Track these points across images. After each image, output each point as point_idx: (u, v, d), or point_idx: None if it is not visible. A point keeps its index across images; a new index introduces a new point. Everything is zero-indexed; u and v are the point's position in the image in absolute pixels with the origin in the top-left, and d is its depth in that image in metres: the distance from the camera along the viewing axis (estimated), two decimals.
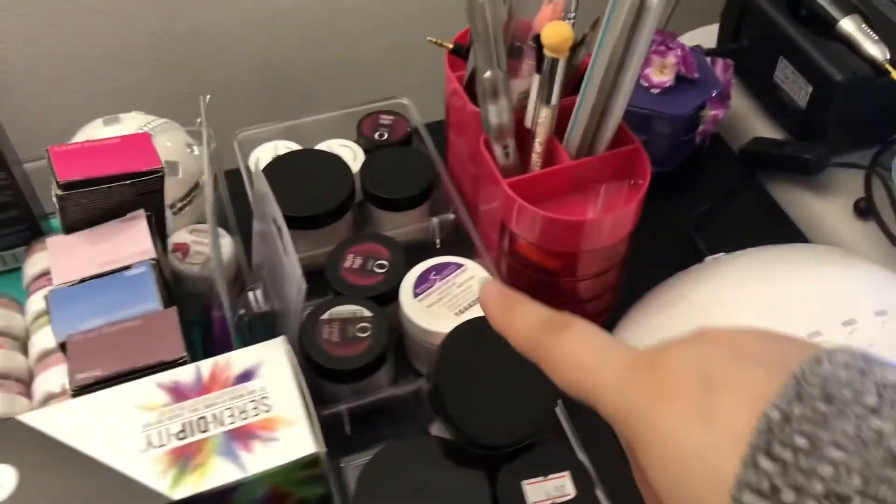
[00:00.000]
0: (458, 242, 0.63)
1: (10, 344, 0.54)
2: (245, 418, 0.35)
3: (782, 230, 0.70)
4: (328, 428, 0.53)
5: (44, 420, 0.36)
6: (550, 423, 0.48)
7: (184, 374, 0.37)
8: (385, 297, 0.55)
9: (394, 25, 0.95)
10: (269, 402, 0.36)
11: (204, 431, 0.35)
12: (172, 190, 0.58)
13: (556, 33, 0.49)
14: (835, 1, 0.67)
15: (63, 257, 0.47)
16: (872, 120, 0.68)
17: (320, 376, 0.53)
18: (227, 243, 0.58)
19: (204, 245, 0.59)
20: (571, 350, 0.27)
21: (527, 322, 0.29)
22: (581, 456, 0.48)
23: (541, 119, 0.54)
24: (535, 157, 0.56)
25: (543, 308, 0.30)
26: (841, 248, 0.59)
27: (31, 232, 0.60)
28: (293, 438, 0.35)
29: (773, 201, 0.72)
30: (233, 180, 0.66)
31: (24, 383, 0.53)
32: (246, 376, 0.37)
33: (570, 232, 0.53)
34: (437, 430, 0.51)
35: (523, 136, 0.57)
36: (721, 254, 0.61)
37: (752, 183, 0.73)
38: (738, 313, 0.52)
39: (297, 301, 0.42)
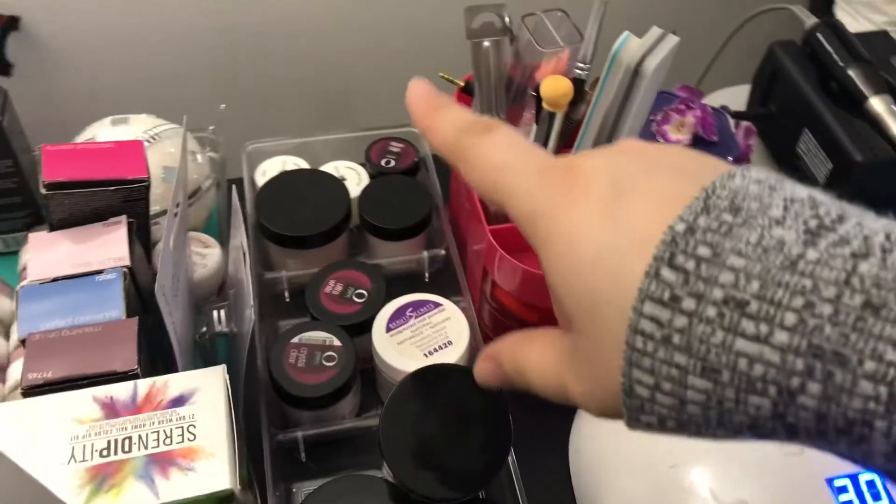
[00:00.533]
0: (447, 278, 0.63)
1: None
2: (168, 444, 0.36)
3: None
4: (286, 452, 0.54)
5: None
6: (491, 482, 0.47)
7: (121, 391, 0.38)
8: (359, 328, 0.55)
9: (420, 57, 0.95)
10: (194, 431, 0.36)
11: (127, 452, 0.35)
12: (169, 195, 0.59)
13: (553, 87, 0.49)
14: (867, 78, 0.65)
15: (41, 254, 0.48)
16: (893, 204, 0.66)
17: (282, 400, 0.53)
18: (215, 254, 0.59)
19: (198, 254, 0.60)
20: (490, 150, 0.27)
21: (450, 123, 0.29)
22: None
23: None
24: None
25: (469, 112, 0.29)
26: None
27: (33, 218, 0.62)
28: (210, 471, 0.35)
29: None
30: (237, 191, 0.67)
31: (2, 367, 0.54)
32: (179, 401, 0.37)
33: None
34: (385, 470, 0.51)
35: None
36: None
37: None
38: None
39: (247, 328, 0.42)
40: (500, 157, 0.27)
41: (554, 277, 0.24)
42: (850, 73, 0.66)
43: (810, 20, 0.71)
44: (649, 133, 0.68)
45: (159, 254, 0.40)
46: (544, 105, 0.50)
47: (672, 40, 0.44)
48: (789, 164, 0.72)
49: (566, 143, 0.54)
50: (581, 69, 0.53)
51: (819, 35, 0.69)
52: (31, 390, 0.41)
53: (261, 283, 0.60)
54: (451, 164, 0.29)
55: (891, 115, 0.63)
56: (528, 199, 0.25)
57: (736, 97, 0.79)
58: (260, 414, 0.51)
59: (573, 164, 0.25)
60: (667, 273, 0.21)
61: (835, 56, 0.67)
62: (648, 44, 0.44)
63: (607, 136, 0.49)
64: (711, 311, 0.21)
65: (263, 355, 0.53)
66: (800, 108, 0.69)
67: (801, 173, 0.70)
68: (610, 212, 0.23)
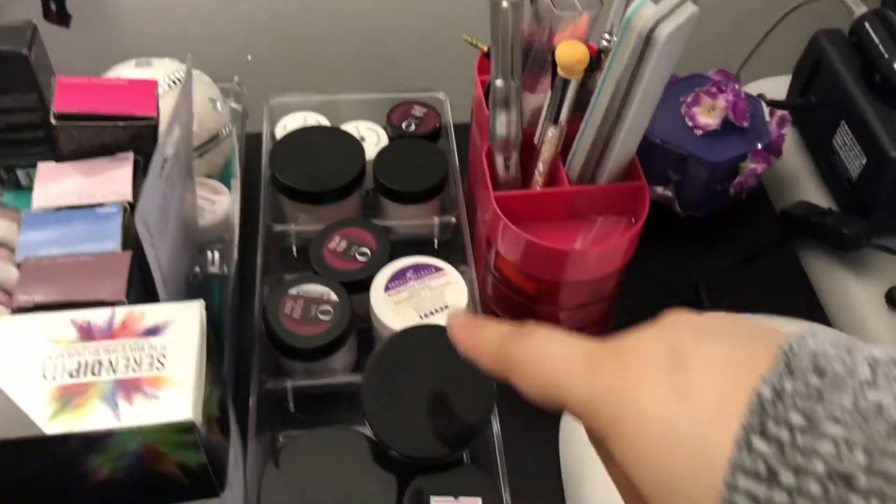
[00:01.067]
0: (457, 247, 0.62)
1: (6, 255, 0.57)
2: (137, 371, 0.36)
3: (803, 304, 0.65)
4: (277, 402, 0.54)
5: None
6: (470, 445, 0.47)
7: (98, 317, 0.38)
8: (359, 286, 0.55)
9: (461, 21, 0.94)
10: (164, 361, 0.36)
11: (96, 375, 0.36)
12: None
13: (569, 53, 0.48)
14: None
15: (47, 183, 0.49)
16: None
17: (275, 348, 0.53)
18: (224, 201, 0.59)
19: (208, 200, 0.60)
20: (535, 354, 0.26)
21: (490, 338, 0.29)
22: (501, 486, 0.47)
23: (547, 138, 0.53)
24: (538, 177, 0.55)
25: (506, 324, 0.29)
26: (852, 337, 0.54)
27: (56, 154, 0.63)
28: (173, 401, 0.35)
29: (802, 272, 0.68)
30: (254, 144, 0.68)
31: (10, 295, 0.55)
32: (154, 331, 0.37)
33: (551, 259, 0.51)
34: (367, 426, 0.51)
35: (530, 154, 0.55)
36: None
37: (784, 248, 0.69)
38: None
39: (232, 270, 0.42)
40: (545, 358, 0.26)
41: (627, 461, 0.23)
42: None
43: (860, 9, 0.68)
44: (678, 114, 0.67)
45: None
46: (559, 71, 0.49)
47: (689, 8, 0.42)
48: (823, 158, 0.69)
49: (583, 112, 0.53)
50: (608, 40, 0.51)
51: (867, 24, 0.66)
52: (20, 312, 0.42)
53: (269, 235, 0.60)
54: (502, 379, 0.28)
55: None
56: (583, 387, 0.24)
57: (777, 87, 0.76)
58: (252, 361, 0.52)
59: (621, 344, 0.24)
60: (759, 444, 0.20)
61: (881, 47, 0.65)
62: (663, 11, 0.42)
63: (619, 105, 0.47)
64: (814, 487, 0.19)
65: (262, 304, 0.54)
66: (839, 100, 0.66)
67: (834, 169, 0.67)
68: (676, 385, 0.22)
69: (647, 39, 0.43)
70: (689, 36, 0.45)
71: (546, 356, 0.26)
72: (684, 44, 0.45)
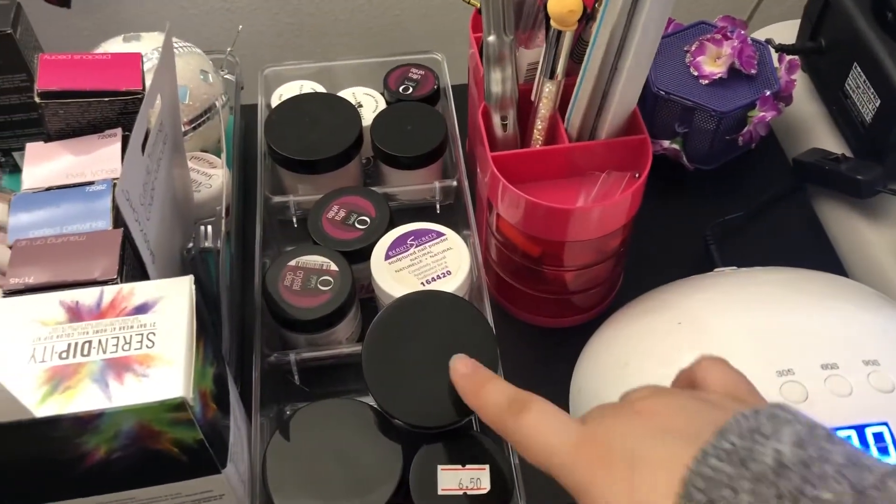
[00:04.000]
0: (459, 211, 0.61)
1: (3, 238, 0.56)
2: (127, 350, 0.35)
3: (818, 254, 0.64)
4: (282, 375, 0.54)
5: None
6: (472, 413, 0.46)
7: (86, 296, 0.37)
8: (359, 254, 0.54)
9: None
10: (154, 339, 0.36)
11: (86, 355, 0.35)
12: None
13: (560, 4, 0.46)
14: None
15: (36, 163, 0.48)
16: None
17: (276, 321, 0.52)
18: (219, 174, 0.58)
19: (203, 174, 0.60)
20: (530, 433, 0.32)
21: (492, 402, 0.35)
22: (509, 453, 0.46)
23: (544, 94, 0.51)
24: (536, 135, 0.53)
25: (507, 388, 0.36)
26: (872, 289, 0.53)
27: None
28: (164, 379, 0.34)
29: (816, 221, 0.66)
30: (251, 115, 0.67)
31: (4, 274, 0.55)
32: (143, 308, 0.37)
33: (553, 219, 0.50)
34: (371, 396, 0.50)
35: (528, 111, 0.53)
36: (731, 268, 0.56)
37: (798, 198, 0.67)
38: (717, 334, 0.48)
39: (220, 243, 0.41)
40: (540, 441, 0.32)
41: None
42: None
43: None
44: (682, 64, 0.65)
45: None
46: (552, 23, 0.47)
47: None
48: (835, 103, 0.67)
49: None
50: None
51: None
52: (11, 295, 0.41)
53: (268, 208, 0.59)
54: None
55: None
56: (572, 474, 0.30)
57: (786, 31, 0.74)
58: (255, 335, 0.51)
59: (595, 435, 0.31)
60: None
61: None
62: None
63: (615, 55, 0.45)
64: None
65: (262, 278, 0.53)
66: (851, 42, 0.63)
67: (847, 113, 0.65)
68: (629, 486, 0.28)
69: None
70: None
71: (539, 442, 0.32)
72: None
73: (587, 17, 0.48)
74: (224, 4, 0.89)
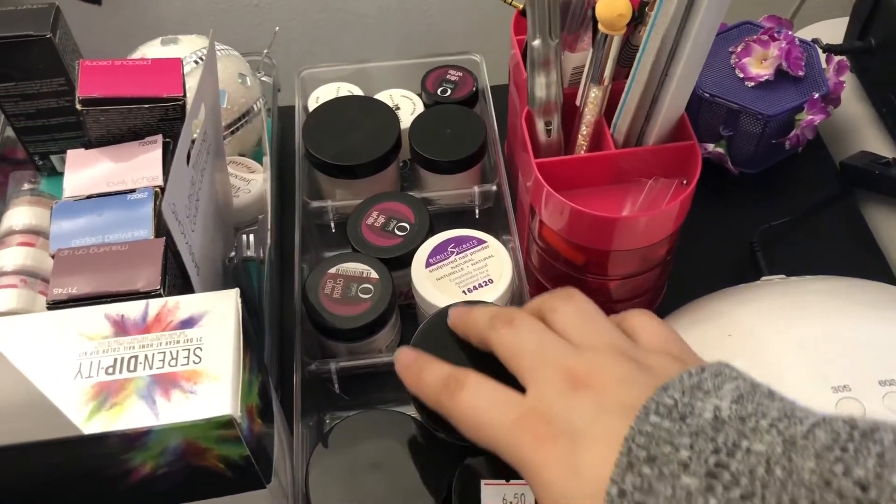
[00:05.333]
0: (499, 216, 0.60)
1: (42, 243, 0.56)
2: (174, 366, 0.35)
3: (867, 261, 0.62)
4: (321, 384, 0.53)
5: None
6: None
7: (131, 310, 0.37)
8: (399, 261, 0.53)
9: None
10: (201, 354, 0.35)
11: (132, 371, 0.35)
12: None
13: (610, 7, 0.45)
14: None
15: (78, 171, 0.48)
16: None
17: (317, 330, 0.52)
18: (259, 179, 0.58)
19: (242, 179, 0.59)
20: (467, 410, 0.32)
21: (430, 383, 0.35)
22: None
23: (589, 99, 0.50)
24: (581, 140, 0.52)
25: (444, 367, 0.35)
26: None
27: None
28: (211, 396, 0.34)
29: (865, 227, 0.64)
30: (288, 118, 0.66)
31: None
32: (189, 322, 0.36)
33: (598, 228, 0.49)
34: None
35: (573, 116, 0.52)
36: (779, 276, 0.55)
37: (846, 203, 0.65)
38: (769, 347, 0.46)
39: (265, 254, 0.40)
40: (477, 417, 0.32)
41: (538, 499, 0.29)
42: None
43: None
44: (728, 66, 0.63)
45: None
46: (600, 27, 0.46)
47: None
48: (885, 105, 0.65)
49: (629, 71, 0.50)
50: None
51: None
52: (55, 305, 0.41)
53: (306, 212, 0.58)
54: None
55: None
56: (512, 451, 0.30)
57: (834, 30, 0.72)
58: (295, 343, 0.51)
59: (537, 411, 0.30)
60: None
61: None
62: None
63: (666, 61, 0.44)
64: None
65: (302, 285, 0.52)
66: None
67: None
68: (571, 462, 0.28)
69: None
70: None
71: (477, 419, 0.32)
72: None
73: (636, 20, 0.47)
74: (256, 4, 0.89)
